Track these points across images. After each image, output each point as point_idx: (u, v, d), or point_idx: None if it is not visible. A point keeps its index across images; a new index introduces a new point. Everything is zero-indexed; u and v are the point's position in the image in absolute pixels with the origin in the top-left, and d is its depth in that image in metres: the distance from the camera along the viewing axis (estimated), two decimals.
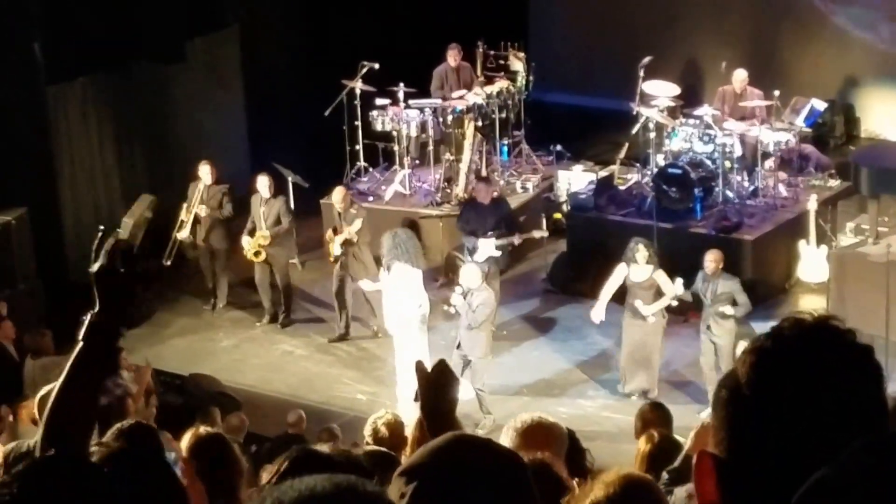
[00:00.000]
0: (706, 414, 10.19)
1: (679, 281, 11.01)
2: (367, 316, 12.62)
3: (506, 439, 3.84)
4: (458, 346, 11.00)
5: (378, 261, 11.92)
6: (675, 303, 11.20)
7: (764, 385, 1.48)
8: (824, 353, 1.48)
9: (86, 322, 2.62)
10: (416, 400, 2.97)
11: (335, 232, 12.51)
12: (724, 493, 1.49)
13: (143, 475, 2.46)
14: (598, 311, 11.25)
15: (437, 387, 2.90)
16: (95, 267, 2.64)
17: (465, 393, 10.68)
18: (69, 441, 2.54)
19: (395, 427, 6.13)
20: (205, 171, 13.10)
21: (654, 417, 6.46)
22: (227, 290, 13.38)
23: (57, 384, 2.65)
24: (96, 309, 2.62)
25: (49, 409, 2.60)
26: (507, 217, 12.58)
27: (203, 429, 4.53)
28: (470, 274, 10.96)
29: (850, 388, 1.46)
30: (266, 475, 2.27)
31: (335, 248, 12.46)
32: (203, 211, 12.99)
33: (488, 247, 12.14)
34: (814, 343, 1.49)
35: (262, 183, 12.81)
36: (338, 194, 12.56)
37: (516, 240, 12.35)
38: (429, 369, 2.95)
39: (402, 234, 11.50)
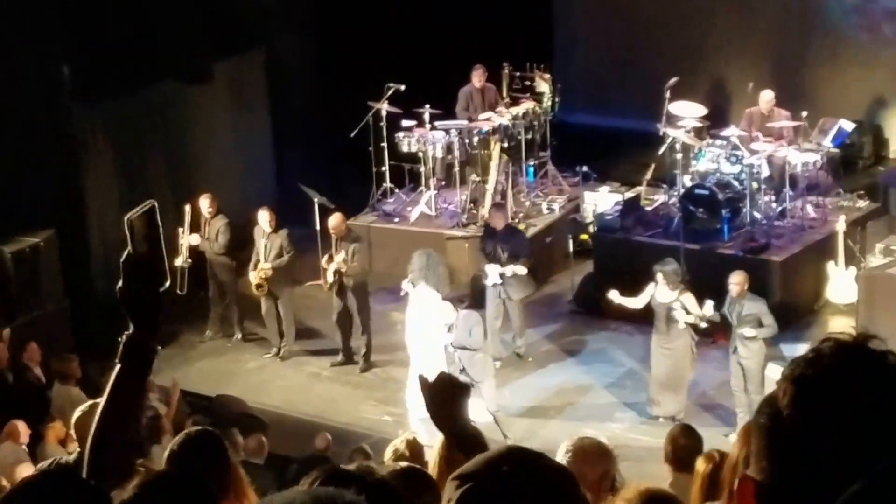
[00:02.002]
0: (734, 437, 10.15)
1: (709, 303, 10.94)
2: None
3: (560, 460, 3.83)
4: (462, 371, 11.05)
5: None
6: (703, 324, 11.13)
7: (806, 414, 1.48)
8: (865, 378, 1.47)
9: (121, 343, 2.65)
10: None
11: (330, 259, 12.46)
12: None
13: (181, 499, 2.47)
14: (619, 297, 11.40)
15: (441, 397, 2.97)
16: (118, 286, 2.65)
17: (479, 415, 10.77)
18: (113, 460, 2.59)
19: (415, 446, 6.12)
20: (205, 204, 12.97)
21: (686, 443, 6.39)
22: (237, 322, 13.22)
23: (100, 403, 2.70)
24: (130, 329, 2.64)
25: (94, 432, 2.63)
26: (513, 247, 12.33)
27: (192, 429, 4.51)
28: (442, 311, 11.05)
29: (893, 412, 1.46)
30: None
31: (329, 276, 12.43)
32: (195, 240, 12.85)
33: (494, 273, 12.10)
34: (854, 369, 1.48)
35: (263, 217, 12.70)
36: (334, 220, 12.47)
37: (520, 270, 12.13)
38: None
39: (435, 258, 11.61)
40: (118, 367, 2.65)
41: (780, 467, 1.49)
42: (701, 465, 4.96)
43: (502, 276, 12.11)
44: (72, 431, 6.01)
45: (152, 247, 2.66)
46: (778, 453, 1.50)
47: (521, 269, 12.17)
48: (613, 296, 11.50)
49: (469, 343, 10.85)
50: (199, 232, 13.00)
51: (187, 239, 12.83)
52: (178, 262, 12.72)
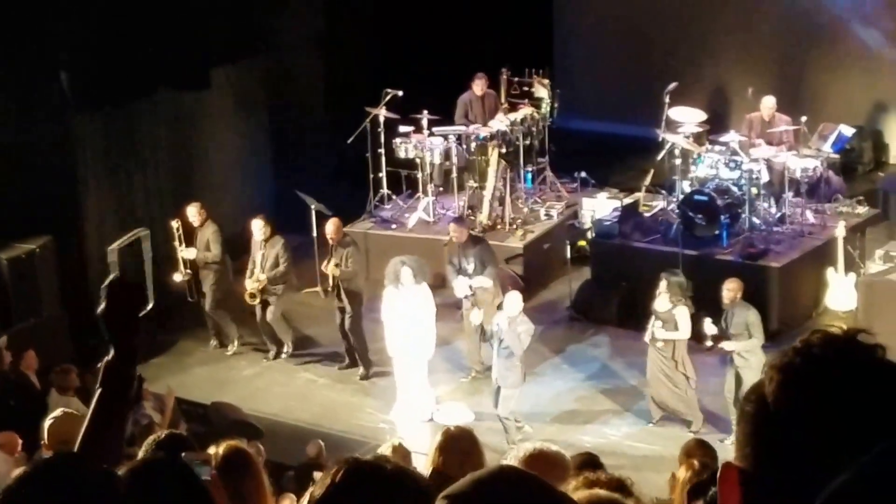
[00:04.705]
0: (729, 441, 10.02)
1: (708, 322, 10.87)
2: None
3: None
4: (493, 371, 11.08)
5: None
6: (709, 343, 11.06)
7: (792, 403, 1.48)
8: (852, 370, 1.47)
9: (101, 368, 2.70)
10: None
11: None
12: None
13: (171, 485, 2.45)
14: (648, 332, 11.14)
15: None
16: (99, 309, 2.69)
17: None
18: None
19: (402, 452, 6.11)
20: (192, 213, 12.85)
21: (699, 455, 6.35)
22: (235, 332, 13.15)
23: (85, 420, 2.75)
24: (111, 353, 2.69)
25: (79, 447, 2.68)
26: (481, 256, 12.20)
27: (228, 443, 4.52)
28: (515, 301, 10.92)
29: (879, 406, 1.47)
30: (318, 489, 2.25)
31: (330, 282, 12.44)
32: (191, 254, 12.78)
33: (462, 285, 12.02)
34: (843, 360, 1.48)
35: (257, 226, 12.67)
36: (330, 226, 12.46)
37: (486, 282, 11.96)
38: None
39: (409, 260, 11.56)
40: (98, 391, 2.70)
41: (764, 455, 1.50)
42: (682, 472, 4.95)
43: (473, 288, 12.01)
44: (45, 440, 5.97)
45: (136, 273, 2.70)
46: (762, 440, 1.50)
47: (487, 282, 11.97)
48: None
49: (515, 346, 10.82)
50: (193, 243, 12.93)
51: (182, 253, 12.74)
52: (177, 277, 12.68)
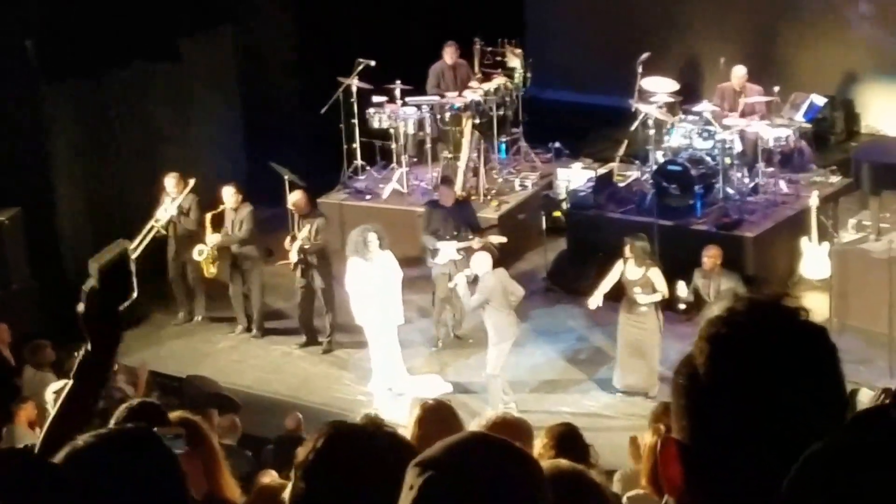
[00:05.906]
0: None
1: (681, 284, 10.93)
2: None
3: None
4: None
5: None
6: (682, 305, 11.11)
7: (721, 373, 1.49)
8: (778, 336, 1.49)
9: (78, 360, 2.72)
10: None
11: (293, 239, 12.26)
12: (688, 478, 1.52)
13: (139, 456, 2.42)
14: (595, 298, 11.21)
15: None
16: (80, 309, 2.73)
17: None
18: None
19: None
20: (171, 183, 12.75)
21: (667, 419, 6.36)
22: (204, 302, 13.09)
23: (55, 408, 2.77)
24: (88, 347, 2.72)
25: (43, 437, 2.68)
26: (469, 219, 12.23)
27: (176, 414, 4.51)
28: (479, 261, 10.89)
29: (806, 370, 1.48)
30: (301, 456, 2.23)
31: (292, 255, 12.24)
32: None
33: (449, 249, 11.96)
34: (767, 326, 1.49)
35: (228, 193, 12.56)
36: (294, 197, 12.32)
37: (475, 244, 11.85)
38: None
39: (373, 227, 11.51)
40: (71, 383, 2.72)
41: (699, 427, 1.51)
42: (648, 437, 4.95)
43: (460, 251, 11.94)
44: (51, 410, 5.93)
45: (121, 281, 2.73)
46: (696, 413, 1.51)
47: (476, 244, 11.79)
48: (593, 302, 11.30)
49: (464, 298, 10.91)
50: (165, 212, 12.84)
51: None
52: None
